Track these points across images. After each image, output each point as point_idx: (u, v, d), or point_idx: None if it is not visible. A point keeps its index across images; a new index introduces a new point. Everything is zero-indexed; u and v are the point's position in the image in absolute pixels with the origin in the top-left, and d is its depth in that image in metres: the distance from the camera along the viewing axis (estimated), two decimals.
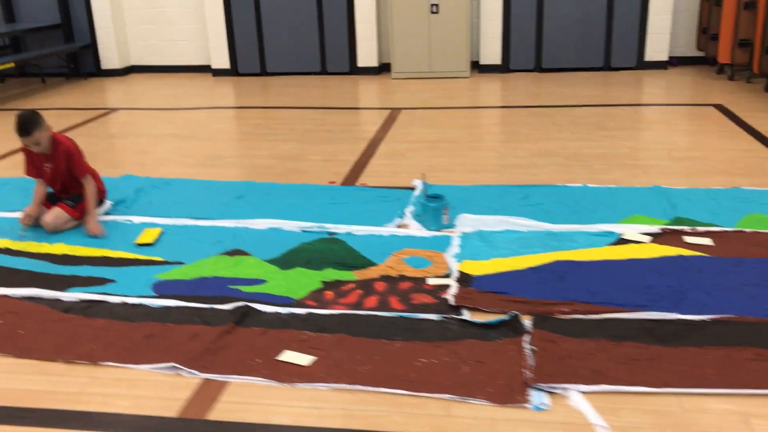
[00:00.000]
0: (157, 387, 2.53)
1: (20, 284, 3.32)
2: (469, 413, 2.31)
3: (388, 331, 2.80)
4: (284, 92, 7.87)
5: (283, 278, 3.31)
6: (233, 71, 8.82)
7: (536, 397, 2.36)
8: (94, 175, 4.09)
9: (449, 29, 8.02)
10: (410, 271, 3.31)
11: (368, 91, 7.93)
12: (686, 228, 3.64)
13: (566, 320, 2.83)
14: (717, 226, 3.67)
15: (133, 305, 3.09)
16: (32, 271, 3.47)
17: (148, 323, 2.93)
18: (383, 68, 8.68)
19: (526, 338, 2.70)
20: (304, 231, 3.85)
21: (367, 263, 3.43)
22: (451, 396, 2.38)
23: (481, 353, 2.63)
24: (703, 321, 2.76)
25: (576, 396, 2.35)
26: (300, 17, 8.55)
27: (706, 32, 7.87)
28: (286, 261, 3.49)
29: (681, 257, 3.33)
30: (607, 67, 8.28)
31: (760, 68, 6.69)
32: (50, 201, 4.04)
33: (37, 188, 3.90)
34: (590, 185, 4.38)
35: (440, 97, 7.26)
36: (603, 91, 7.31)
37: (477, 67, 8.50)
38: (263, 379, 2.53)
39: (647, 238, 3.55)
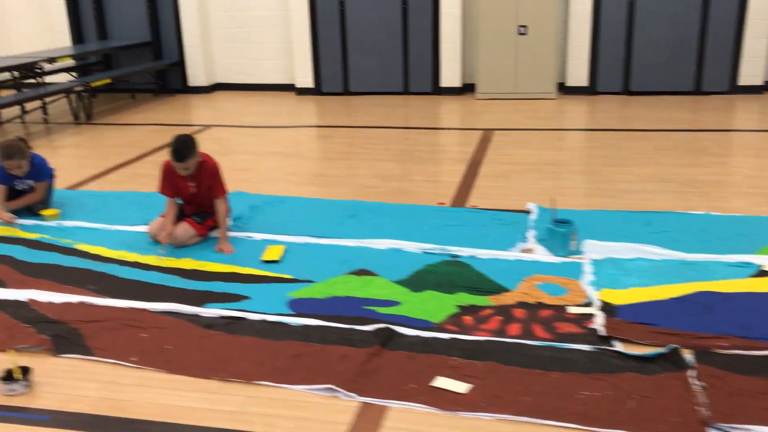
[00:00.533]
0: (316, 409, 2.51)
1: (157, 298, 3.36)
2: None
3: (540, 361, 2.73)
4: (370, 111, 7.90)
5: (417, 301, 3.28)
6: (316, 90, 8.92)
7: None
8: None
9: (536, 50, 7.96)
10: (547, 299, 3.24)
11: (453, 111, 7.90)
12: None
13: (728, 355, 2.72)
14: None
15: (274, 323, 3.09)
16: (165, 285, 3.52)
17: (292, 342, 2.93)
18: (466, 88, 8.65)
19: (691, 373, 2.60)
20: (425, 252, 3.82)
21: (500, 288, 3.37)
22: None
23: (644, 387, 2.54)
24: None
25: None
26: (385, 37, 8.61)
27: None
28: (415, 283, 3.46)
29: None
30: (698, 91, 8.08)
31: None
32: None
33: (170, 207, 3.95)
34: (713, 213, 4.24)
35: (530, 118, 7.19)
36: (697, 115, 7.13)
37: (562, 88, 8.40)
38: (423, 406, 2.49)
39: None
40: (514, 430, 2.36)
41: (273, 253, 3.81)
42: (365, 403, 2.52)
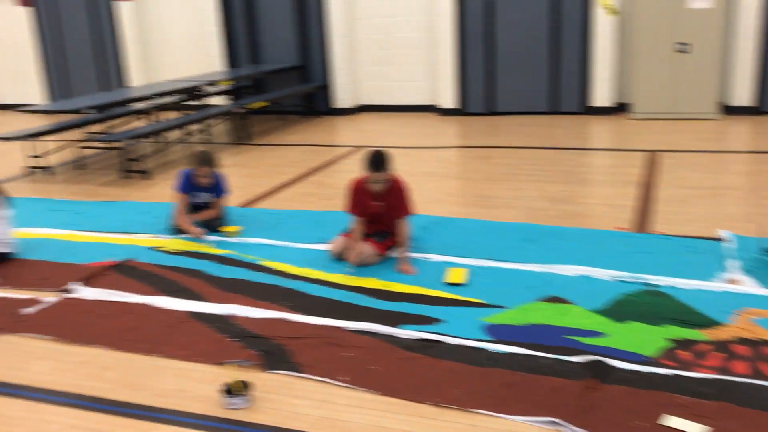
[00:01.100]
0: None
1: (349, 317, 3.38)
2: None
3: None
4: (518, 131, 7.76)
5: (623, 332, 3.10)
6: (461, 110, 8.88)
7: None
8: None
9: (697, 69, 7.54)
10: None
11: (608, 131, 7.62)
12: None
13: None
14: None
15: (475, 348, 3.02)
16: (354, 304, 3.54)
17: (498, 370, 2.84)
18: (618, 108, 8.33)
19: None
20: (618, 281, 3.63)
21: (711, 322, 3.14)
22: None
23: None
24: None
25: None
26: (533, 57, 8.47)
27: None
28: (616, 313, 3.28)
29: None
30: None
31: None
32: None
33: (357, 226, 4.00)
34: None
35: (694, 140, 6.79)
36: None
37: (722, 108, 7.90)
38: None
39: None
40: None
41: (457, 275, 3.75)
42: None
